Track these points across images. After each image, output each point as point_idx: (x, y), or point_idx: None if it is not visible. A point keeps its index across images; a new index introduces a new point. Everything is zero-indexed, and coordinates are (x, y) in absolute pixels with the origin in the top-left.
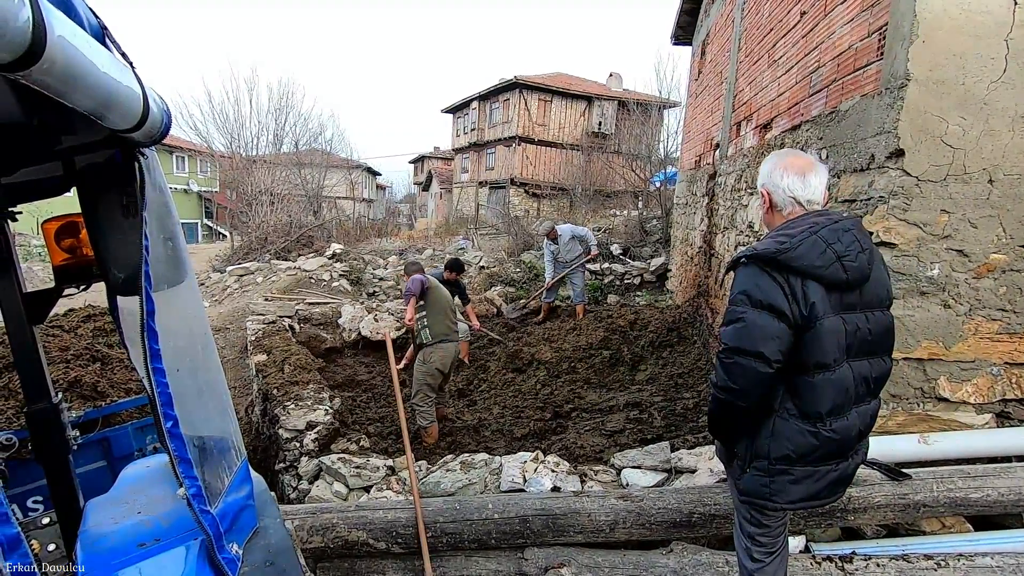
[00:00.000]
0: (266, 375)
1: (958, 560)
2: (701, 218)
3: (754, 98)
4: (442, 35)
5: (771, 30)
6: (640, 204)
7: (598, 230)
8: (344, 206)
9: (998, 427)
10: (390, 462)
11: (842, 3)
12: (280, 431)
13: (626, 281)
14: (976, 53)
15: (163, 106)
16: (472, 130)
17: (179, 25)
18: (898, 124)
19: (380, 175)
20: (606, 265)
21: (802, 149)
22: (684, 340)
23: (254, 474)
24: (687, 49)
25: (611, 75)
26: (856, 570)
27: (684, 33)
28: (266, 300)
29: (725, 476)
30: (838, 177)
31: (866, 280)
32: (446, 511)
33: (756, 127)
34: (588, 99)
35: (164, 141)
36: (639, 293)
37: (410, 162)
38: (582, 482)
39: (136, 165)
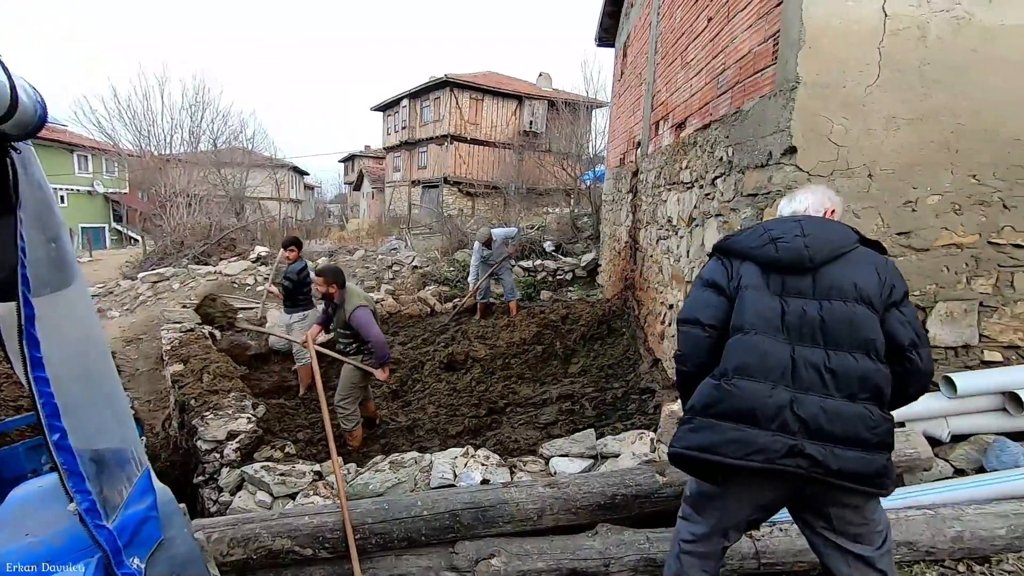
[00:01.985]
0: (183, 385)
1: None
2: (626, 214)
3: (670, 98)
4: (368, 32)
5: (683, 34)
6: (572, 202)
7: (532, 228)
8: (269, 207)
9: None
10: (317, 467)
11: (742, 10)
12: (199, 443)
13: (558, 277)
14: (855, 59)
15: (36, 96)
16: (403, 128)
17: (85, 41)
18: (791, 123)
19: (308, 174)
20: (538, 262)
21: (711, 147)
22: (613, 332)
23: (159, 484)
24: (611, 50)
25: (541, 75)
26: (763, 536)
27: (607, 35)
28: (183, 307)
29: (647, 459)
30: (743, 173)
31: (811, 265)
32: (375, 511)
33: (672, 126)
34: (519, 98)
35: (63, 139)
36: (571, 288)
37: (340, 161)
38: (512, 473)
39: (8, 161)
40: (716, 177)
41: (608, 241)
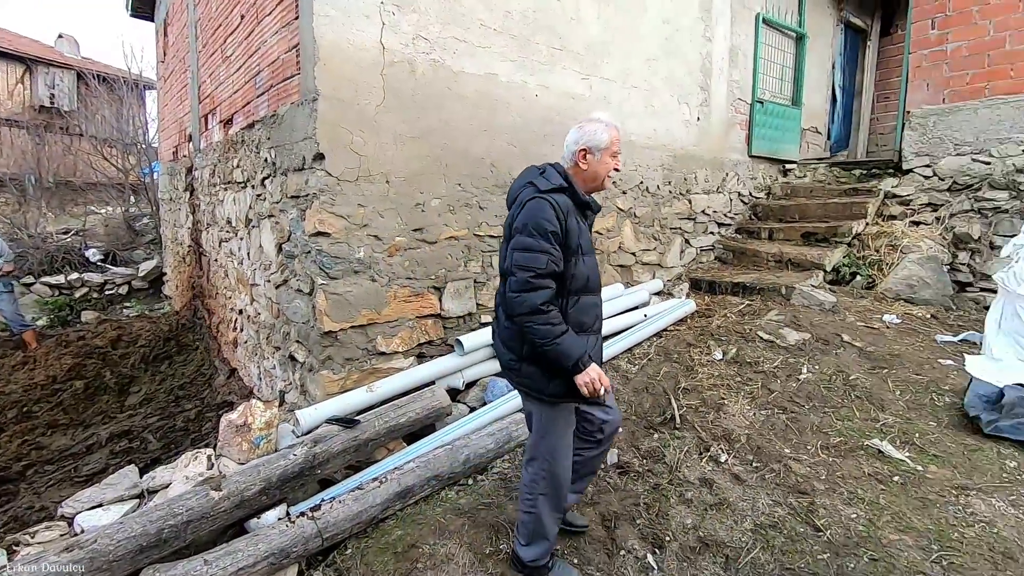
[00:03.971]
0: None
1: (394, 472)
2: (186, 214)
3: (216, 92)
4: None
5: (220, 25)
6: (127, 200)
7: (66, 233)
8: None
9: (418, 365)
10: None
11: (268, 15)
12: None
13: (108, 292)
14: (364, 81)
15: None
16: None
17: None
18: (316, 132)
19: None
20: (75, 276)
21: (257, 148)
22: (185, 348)
23: None
24: (152, 24)
25: (62, 36)
26: (324, 514)
27: (143, 6)
28: None
29: (204, 477)
30: (285, 175)
31: (509, 210)
32: None
33: (221, 121)
34: (26, 62)
35: None
36: (128, 303)
37: None
38: (11, 555)
39: None
40: (265, 178)
41: (171, 245)
